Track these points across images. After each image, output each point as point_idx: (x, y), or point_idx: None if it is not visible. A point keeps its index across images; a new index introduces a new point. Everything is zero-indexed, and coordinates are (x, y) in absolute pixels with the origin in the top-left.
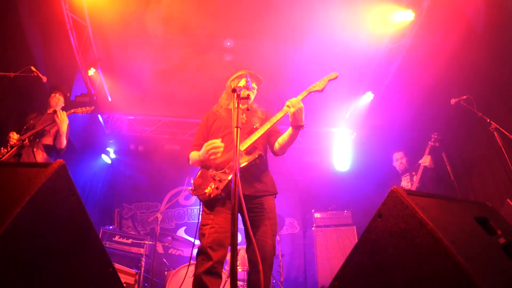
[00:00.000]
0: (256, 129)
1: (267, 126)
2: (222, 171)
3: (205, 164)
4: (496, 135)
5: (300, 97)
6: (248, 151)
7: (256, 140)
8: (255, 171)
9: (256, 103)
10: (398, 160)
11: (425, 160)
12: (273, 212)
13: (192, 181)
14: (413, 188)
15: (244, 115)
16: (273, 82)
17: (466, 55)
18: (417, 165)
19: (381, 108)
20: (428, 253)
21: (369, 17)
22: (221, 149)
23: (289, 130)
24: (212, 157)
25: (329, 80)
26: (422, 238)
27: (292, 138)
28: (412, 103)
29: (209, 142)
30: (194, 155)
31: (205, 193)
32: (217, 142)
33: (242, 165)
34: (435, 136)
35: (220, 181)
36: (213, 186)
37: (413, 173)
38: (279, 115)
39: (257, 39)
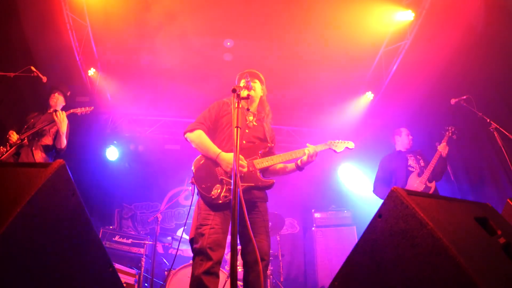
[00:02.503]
0: (271, 149)
1: (286, 157)
2: None
3: (215, 162)
4: (496, 135)
5: (319, 148)
6: (263, 172)
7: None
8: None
9: (268, 105)
10: (408, 135)
11: (444, 148)
12: (267, 215)
13: (192, 169)
14: (427, 173)
15: (254, 119)
16: (273, 82)
17: (466, 55)
18: (418, 151)
19: (381, 108)
20: (428, 253)
21: (369, 17)
22: (245, 170)
23: (291, 166)
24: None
25: (346, 148)
26: (422, 238)
27: (288, 174)
28: (412, 103)
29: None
30: (205, 140)
31: (212, 195)
32: (244, 163)
33: (256, 185)
34: (452, 129)
35: (231, 189)
36: (220, 191)
37: (418, 157)
38: (298, 153)
39: (257, 39)
